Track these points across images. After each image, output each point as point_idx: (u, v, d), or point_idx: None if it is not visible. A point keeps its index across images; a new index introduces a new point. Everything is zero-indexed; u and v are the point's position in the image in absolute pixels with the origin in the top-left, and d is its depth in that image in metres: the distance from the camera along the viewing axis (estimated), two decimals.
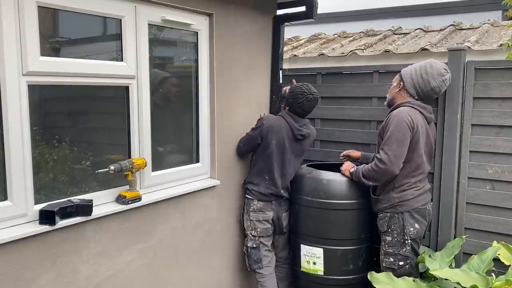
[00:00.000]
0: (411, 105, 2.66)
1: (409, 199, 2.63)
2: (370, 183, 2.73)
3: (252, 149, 3.09)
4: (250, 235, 3.06)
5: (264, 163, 3.01)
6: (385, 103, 2.89)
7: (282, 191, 3.03)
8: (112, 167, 2.27)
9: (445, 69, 2.67)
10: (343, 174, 2.95)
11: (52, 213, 2.01)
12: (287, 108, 3.07)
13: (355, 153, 3.16)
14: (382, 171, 2.58)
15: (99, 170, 2.28)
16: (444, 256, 2.73)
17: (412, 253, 2.65)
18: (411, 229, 2.62)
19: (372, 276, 2.35)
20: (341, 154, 3.22)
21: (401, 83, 2.74)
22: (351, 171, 2.86)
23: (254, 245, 3.06)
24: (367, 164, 2.83)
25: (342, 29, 5.92)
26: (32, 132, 2.01)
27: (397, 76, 2.81)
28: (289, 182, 3.10)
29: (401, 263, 2.64)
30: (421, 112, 2.65)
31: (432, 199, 3.05)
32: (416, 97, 2.71)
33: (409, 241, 2.62)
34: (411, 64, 2.79)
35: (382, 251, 2.74)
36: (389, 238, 2.68)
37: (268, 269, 3.10)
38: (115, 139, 2.54)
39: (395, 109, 2.70)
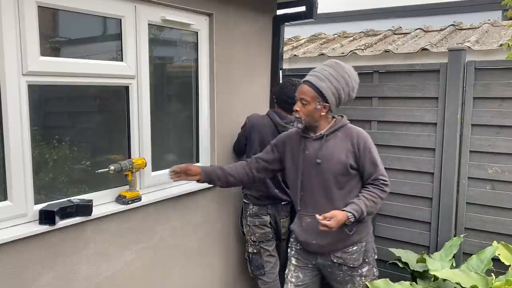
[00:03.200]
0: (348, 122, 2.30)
1: (372, 212, 2.23)
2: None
3: (243, 150, 3.03)
4: (250, 241, 2.99)
5: None
6: (300, 125, 2.24)
7: (276, 191, 2.91)
8: (112, 167, 2.27)
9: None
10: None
11: (52, 213, 2.01)
12: (276, 103, 2.96)
13: (195, 168, 2.41)
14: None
15: (99, 170, 2.28)
16: (443, 255, 2.73)
17: None
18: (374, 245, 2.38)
19: (370, 283, 2.33)
20: (174, 177, 2.38)
21: (326, 104, 2.17)
22: (350, 217, 2.07)
23: (255, 251, 2.97)
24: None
25: (342, 29, 5.91)
26: (32, 132, 2.01)
27: (309, 92, 2.18)
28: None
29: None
30: None
31: (432, 199, 3.06)
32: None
33: (374, 258, 2.36)
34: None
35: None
36: (365, 269, 2.28)
37: (270, 276, 3.00)
38: (115, 139, 2.54)
39: (337, 130, 2.23)
